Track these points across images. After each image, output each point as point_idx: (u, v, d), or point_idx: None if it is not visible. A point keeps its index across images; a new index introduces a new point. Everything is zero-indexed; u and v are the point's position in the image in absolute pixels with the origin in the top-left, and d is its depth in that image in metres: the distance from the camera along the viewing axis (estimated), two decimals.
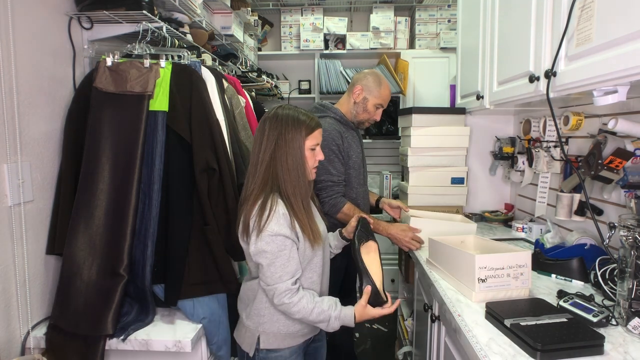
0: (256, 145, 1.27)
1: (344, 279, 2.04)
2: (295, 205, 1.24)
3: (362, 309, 1.29)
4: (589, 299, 1.19)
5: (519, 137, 2.21)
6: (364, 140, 2.58)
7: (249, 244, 1.22)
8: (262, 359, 1.31)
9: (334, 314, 1.25)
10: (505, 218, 2.31)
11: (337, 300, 1.30)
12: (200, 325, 1.41)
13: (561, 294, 1.27)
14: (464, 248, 1.48)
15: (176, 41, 1.69)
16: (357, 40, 3.33)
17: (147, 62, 1.45)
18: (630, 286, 1.08)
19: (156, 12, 1.57)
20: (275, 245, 1.19)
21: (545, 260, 1.52)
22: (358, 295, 1.34)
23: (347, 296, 2.17)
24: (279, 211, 1.20)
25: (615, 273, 1.26)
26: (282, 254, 1.20)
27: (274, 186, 1.24)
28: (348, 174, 1.89)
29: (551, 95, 1.29)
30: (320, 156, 1.33)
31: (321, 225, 1.38)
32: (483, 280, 1.26)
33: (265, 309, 1.29)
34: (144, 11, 1.47)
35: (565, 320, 1.06)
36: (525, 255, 1.29)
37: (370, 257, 1.41)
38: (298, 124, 1.25)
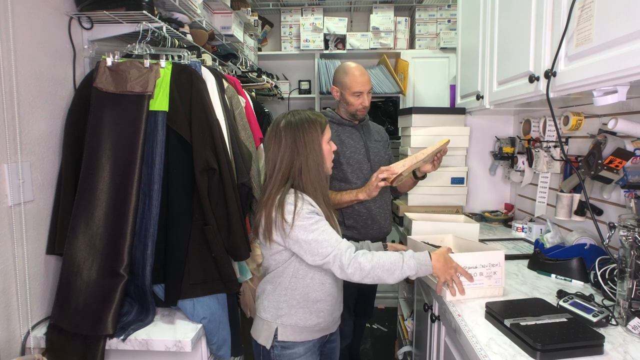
0: (271, 154, 1.34)
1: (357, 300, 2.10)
2: (316, 200, 1.31)
3: (439, 254, 1.27)
4: (589, 299, 1.19)
5: (518, 137, 2.21)
6: None
7: (283, 235, 1.26)
8: (277, 355, 1.34)
9: (406, 253, 1.26)
10: (505, 218, 2.32)
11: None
12: (200, 325, 1.41)
13: (561, 293, 1.28)
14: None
15: (176, 41, 1.69)
16: (357, 40, 3.33)
17: (147, 62, 1.45)
18: (630, 286, 1.08)
19: (156, 12, 1.57)
20: (315, 219, 1.26)
21: (545, 260, 1.52)
22: None
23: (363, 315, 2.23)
24: (306, 198, 1.28)
25: (615, 273, 1.26)
26: (323, 223, 1.27)
27: (293, 186, 1.30)
28: (342, 170, 1.91)
29: (551, 95, 1.29)
30: (333, 146, 1.40)
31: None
32: None
33: (284, 302, 1.33)
34: (144, 11, 1.47)
35: (565, 320, 1.06)
36: (498, 255, 1.29)
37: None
38: (312, 123, 1.33)
